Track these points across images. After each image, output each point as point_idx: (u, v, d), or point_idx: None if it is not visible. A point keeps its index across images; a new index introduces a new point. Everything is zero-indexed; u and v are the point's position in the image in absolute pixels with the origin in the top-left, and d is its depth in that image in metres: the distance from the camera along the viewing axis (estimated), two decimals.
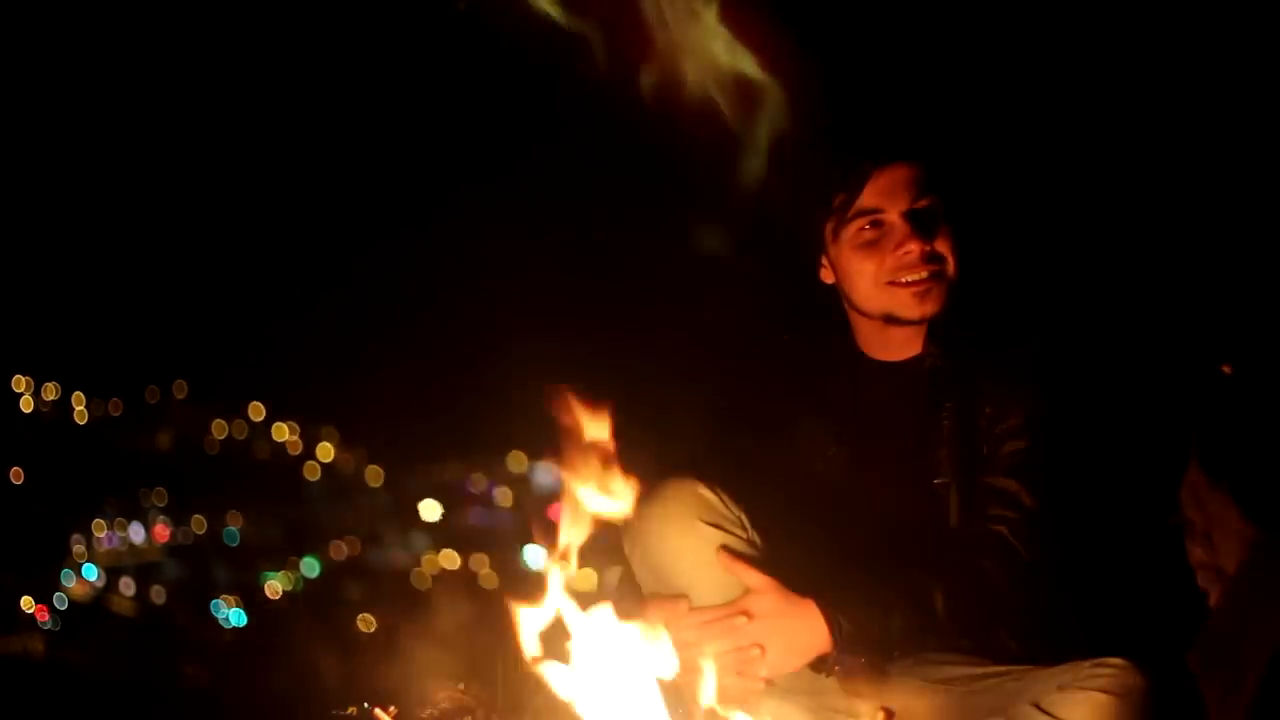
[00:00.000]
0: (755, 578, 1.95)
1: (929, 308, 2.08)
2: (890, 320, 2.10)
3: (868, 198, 2.07)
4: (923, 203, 2.07)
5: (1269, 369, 2.17)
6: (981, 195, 2.21)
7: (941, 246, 2.07)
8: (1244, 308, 2.42)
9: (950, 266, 2.08)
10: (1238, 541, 2.10)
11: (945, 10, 2.87)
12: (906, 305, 2.08)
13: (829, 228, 2.11)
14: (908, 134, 2.11)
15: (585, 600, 1.90)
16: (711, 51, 2.07)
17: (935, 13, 2.86)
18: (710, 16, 2.08)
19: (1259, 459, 2.13)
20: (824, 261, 2.16)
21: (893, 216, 2.07)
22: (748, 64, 2.05)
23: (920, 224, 2.06)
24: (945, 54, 2.82)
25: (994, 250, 2.19)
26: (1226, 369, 2.14)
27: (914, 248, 2.06)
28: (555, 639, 1.86)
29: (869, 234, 2.08)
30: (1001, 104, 2.83)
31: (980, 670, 1.97)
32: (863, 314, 2.14)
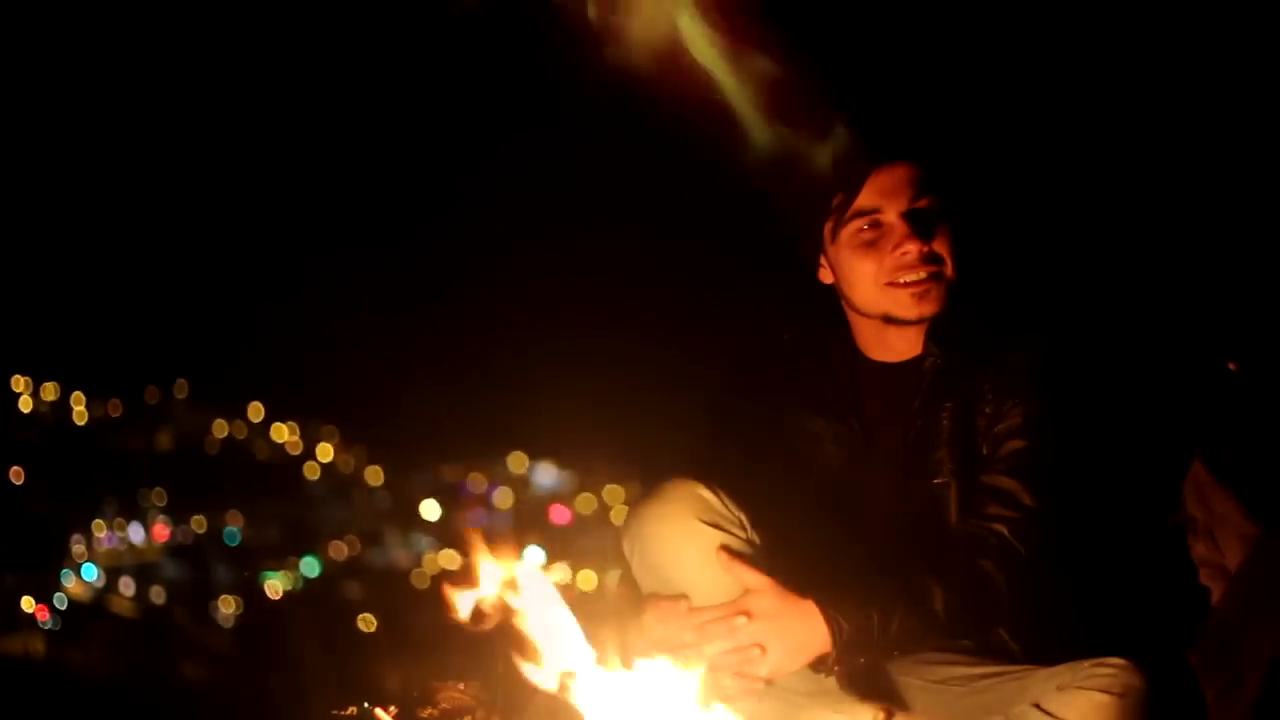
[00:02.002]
0: (755, 578, 1.95)
1: (927, 308, 2.08)
2: (889, 320, 2.10)
3: (866, 197, 2.07)
4: (921, 203, 2.07)
5: (1272, 367, 2.17)
6: (981, 195, 2.20)
7: (940, 247, 2.07)
8: (1246, 305, 2.42)
9: (949, 267, 2.08)
10: (1240, 540, 2.11)
11: (944, 9, 2.86)
12: (905, 305, 2.08)
13: (828, 228, 2.11)
14: (906, 133, 2.11)
15: (586, 601, 1.90)
16: (709, 53, 2.07)
17: (934, 12, 2.85)
18: (708, 17, 2.08)
19: (1262, 457, 2.13)
20: (823, 262, 2.15)
21: (891, 216, 2.07)
22: (746, 65, 2.04)
23: (919, 224, 2.06)
24: (944, 53, 2.82)
25: (994, 249, 2.19)
26: (1232, 366, 2.14)
27: (912, 248, 2.06)
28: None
29: (867, 234, 2.08)
30: (1000, 103, 2.83)
31: (980, 670, 1.96)
32: (861, 314, 2.13)
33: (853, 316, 2.16)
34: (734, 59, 2.04)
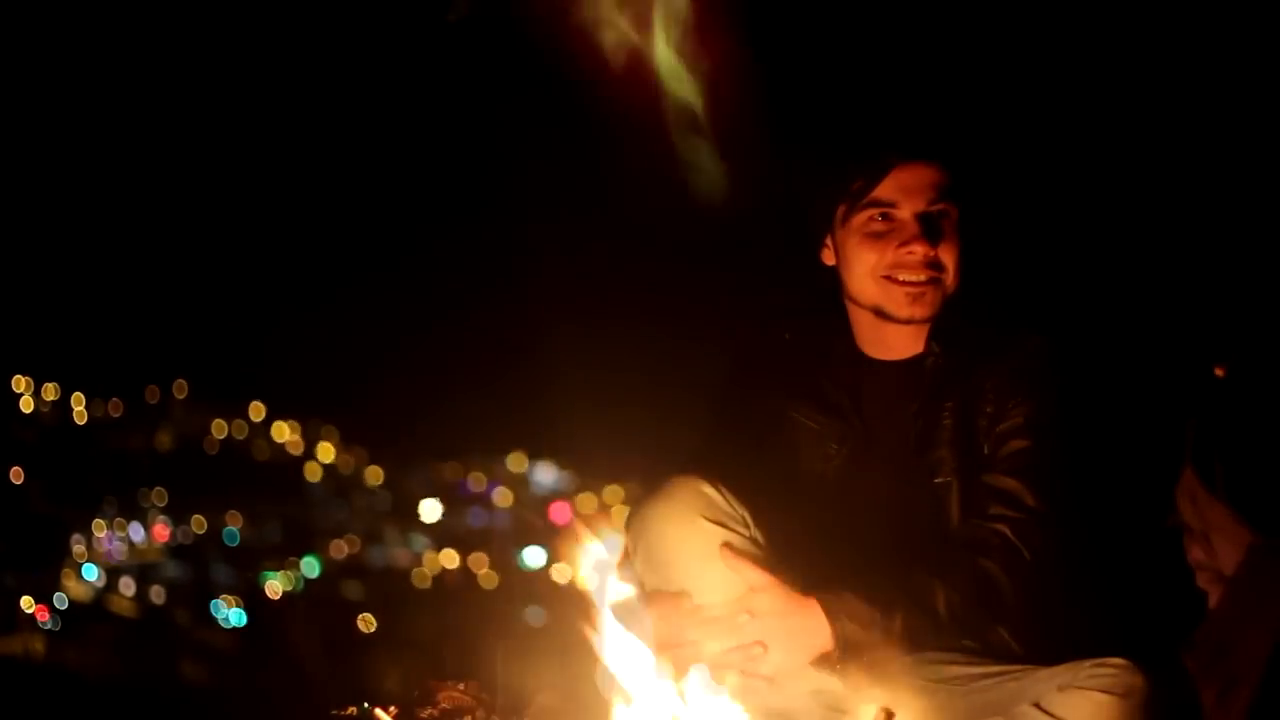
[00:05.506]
0: (757, 576, 1.95)
1: (919, 311, 2.08)
2: (879, 314, 2.10)
3: (885, 190, 2.07)
4: (937, 207, 2.07)
5: (1265, 373, 2.17)
6: (996, 203, 2.21)
7: (945, 255, 2.07)
8: (1242, 310, 2.42)
9: (949, 277, 2.08)
10: (1235, 545, 2.10)
11: (993, 37, 2.89)
12: (897, 303, 2.08)
13: (841, 210, 2.11)
14: (938, 137, 2.11)
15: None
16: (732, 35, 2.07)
17: (984, 37, 2.88)
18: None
19: (1255, 464, 2.13)
20: (828, 242, 2.16)
21: (905, 213, 2.07)
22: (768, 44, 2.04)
23: (930, 228, 2.06)
24: (985, 72, 2.84)
25: (997, 251, 2.19)
26: (1219, 372, 2.13)
27: (918, 249, 2.06)
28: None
29: (878, 225, 2.08)
30: (1018, 112, 2.84)
31: (980, 670, 1.96)
32: (856, 303, 2.14)
33: (851, 309, 2.16)
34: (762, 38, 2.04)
